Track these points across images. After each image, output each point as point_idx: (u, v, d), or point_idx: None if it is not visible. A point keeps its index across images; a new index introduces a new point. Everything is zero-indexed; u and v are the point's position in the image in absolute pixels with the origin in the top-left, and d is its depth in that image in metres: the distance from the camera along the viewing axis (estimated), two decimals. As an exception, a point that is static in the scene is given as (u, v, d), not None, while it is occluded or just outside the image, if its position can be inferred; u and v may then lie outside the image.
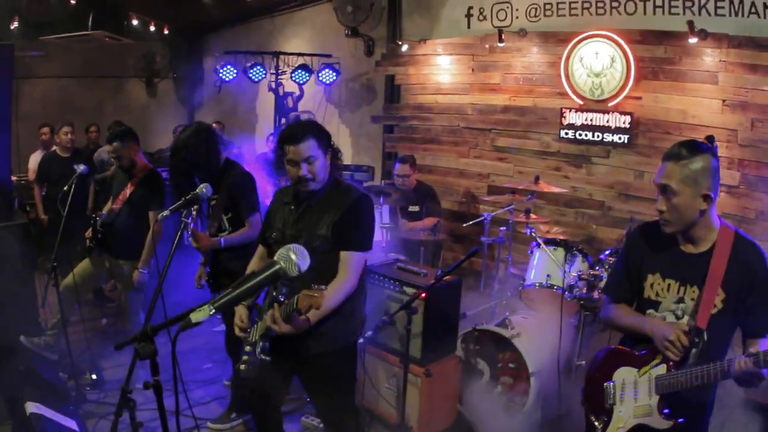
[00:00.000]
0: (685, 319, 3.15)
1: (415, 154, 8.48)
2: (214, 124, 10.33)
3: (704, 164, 3.00)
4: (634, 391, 3.24)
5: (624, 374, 3.31)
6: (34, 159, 9.04)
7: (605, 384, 3.37)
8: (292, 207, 3.99)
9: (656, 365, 3.16)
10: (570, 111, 7.67)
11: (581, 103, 7.60)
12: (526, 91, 8.25)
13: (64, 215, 5.75)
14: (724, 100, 6.54)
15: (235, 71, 10.47)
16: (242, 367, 3.85)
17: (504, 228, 7.04)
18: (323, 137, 3.86)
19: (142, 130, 9.82)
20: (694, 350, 3.07)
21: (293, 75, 10.12)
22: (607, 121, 7.34)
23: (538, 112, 8.16)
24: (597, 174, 7.61)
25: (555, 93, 7.93)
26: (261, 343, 3.76)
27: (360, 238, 3.83)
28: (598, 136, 7.42)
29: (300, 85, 10.46)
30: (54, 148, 8.49)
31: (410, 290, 5.19)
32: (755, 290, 3.05)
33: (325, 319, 3.71)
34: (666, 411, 3.10)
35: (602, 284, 5.62)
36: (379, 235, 6.98)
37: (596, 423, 3.38)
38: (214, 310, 2.26)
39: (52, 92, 12.05)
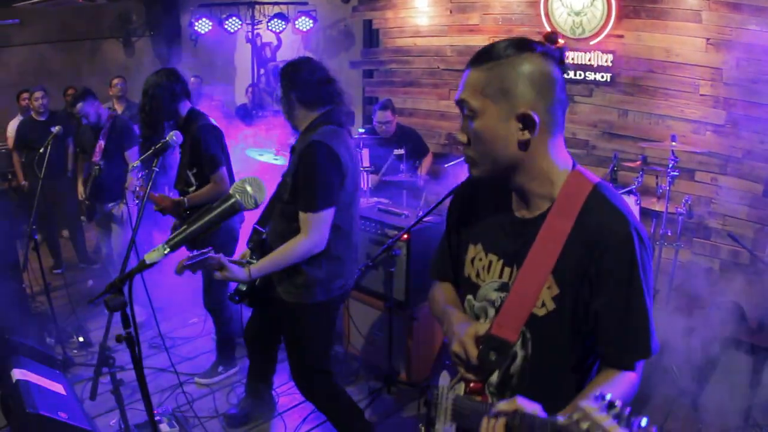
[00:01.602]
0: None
1: (395, 97, 8.39)
2: (192, 79, 10.31)
3: (527, 68, 1.88)
4: (444, 410, 2.17)
5: (443, 380, 2.23)
6: (12, 126, 8.96)
7: (432, 387, 2.28)
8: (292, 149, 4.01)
9: (460, 379, 2.13)
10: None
11: (562, 42, 7.46)
12: (505, 31, 8.07)
13: (41, 178, 5.69)
14: (707, 39, 6.39)
15: (210, 23, 10.31)
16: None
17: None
18: (283, 79, 3.85)
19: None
20: (511, 370, 2.07)
21: (269, 24, 9.98)
22: (589, 60, 7.22)
23: (518, 52, 7.99)
24: (580, 113, 7.49)
25: (535, 32, 7.73)
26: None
27: (306, 198, 3.64)
28: (580, 75, 7.32)
29: (277, 35, 10.37)
30: (26, 114, 8.45)
31: (392, 232, 5.15)
32: (608, 286, 1.88)
33: (286, 271, 3.74)
34: None
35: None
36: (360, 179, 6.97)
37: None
38: (168, 250, 2.20)
39: (30, 59, 11.89)
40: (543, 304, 1.96)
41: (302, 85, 3.79)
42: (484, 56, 1.92)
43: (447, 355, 2.22)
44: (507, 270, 2.08)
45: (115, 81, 9.08)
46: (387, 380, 5.23)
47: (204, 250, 3.25)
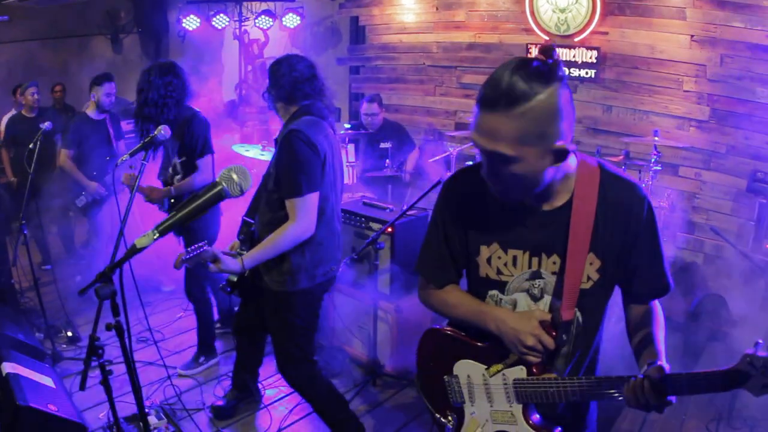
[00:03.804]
0: (545, 300, 2.28)
1: (381, 93, 8.45)
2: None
3: (557, 103, 1.90)
4: (486, 393, 2.40)
5: (468, 369, 2.44)
6: (5, 122, 8.96)
7: (446, 378, 2.52)
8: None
9: (512, 365, 2.30)
10: (536, 47, 7.59)
11: (547, 38, 7.53)
12: (491, 28, 8.16)
13: (30, 173, 5.72)
14: (692, 36, 6.47)
15: (198, 20, 10.32)
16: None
17: (470, 163, 6.98)
18: (268, 76, 3.97)
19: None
20: (564, 347, 2.30)
21: (257, 21, 10.02)
22: (574, 56, 7.29)
23: (503, 49, 8.06)
24: (565, 108, 7.54)
25: (520, 29, 7.84)
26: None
27: (288, 184, 3.72)
28: (564, 71, 7.38)
29: (264, 32, 10.40)
30: (20, 109, 8.42)
31: (376, 225, 5.20)
32: (640, 244, 2.19)
33: (270, 261, 3.82)
34: (536, 420, 2.32)
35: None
36: (345, 175, 7.02)
37: (443, 420, 2.57)
38: (158, 235, 2.27)
39: (18, 57, 11.86)
40: (588, 278, 2.21)
41: (279, 81, 3.90)
42: (511, 99, 1.87)
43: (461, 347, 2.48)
44: (534, 260, 2.25)
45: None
46: (372, 373, 5.30)
47: (200, 244, 3.43)
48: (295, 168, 3.68)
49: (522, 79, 1.86)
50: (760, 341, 1.78)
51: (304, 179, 3.69)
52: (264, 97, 4.04)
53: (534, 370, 2.25)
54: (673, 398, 1.92)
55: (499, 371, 2.32)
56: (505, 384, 2.32)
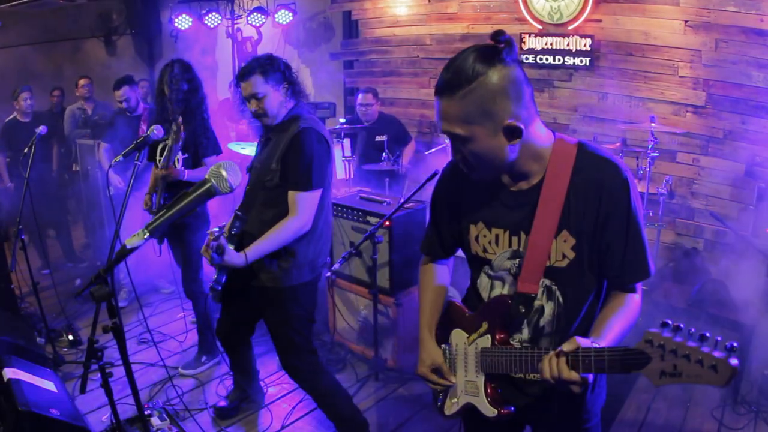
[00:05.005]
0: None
1: (375, 87, 8.44)
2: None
3: (498, 82, 1.98)
4: (465, 362, 2.49)
5: (457, 338, 2.54)
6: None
7: (442, 347, 2.59)
8: (263, 140, 4.09)
9: (483, 334, 2.40)
10: (529, 36, 7.57)
11: (540, 27, 7.49)
12: (484, 19, 8.12)
13: (26, 178, 5.70)
14: (686, 21, 6.43)
15: (190, 19, 10.31)
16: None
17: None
18: (271, 72, 3.85)
19: (104, 88, 9.74)
20: (541, 323, 2.33)
21: (249, 18, 9.94)
22: (568, 45, 7.26)
23: (497, 39, 8.01)
24: (560, 97, 7.55)
25: (513, 19, 7.80)
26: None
27: (299, 178, 3.75)
28: (559, 60, 7.36)
29: (257, 29, 10.35)
30: (14, 114, 8.38)
31: (374, 219, 5.19)
32: (612, 223, 2.16)
33: (271, 255, 3.82)
34: (493, 394, 2.39)
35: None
36: (341, 169, 7.01)
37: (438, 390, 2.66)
38: (148, 234, 2.26)
39: (11, 62, 11.85)
40: (564, 256, 2.22)
41: (295, 77, 3.95)
42: (454, 83, 1.99)
43: (452, 318, 2.59)
44: (515, 239, 2.32)
45: (82, 81, 8.98)
46: (374, 367, 5.29)
47: (222, 224, 3.59)
48: (309, 164, 3.74)
49: (466, 64, 1.98)
50: (669, 321, 1.75)
51: (315, 175, 3.76)
52: (255, 97, 3.89)
53: (497, 338, 2.36)
54: (588, 376, 1.94)
55: (474, 340, 2.44)
56: (476, 353, 2.43)
